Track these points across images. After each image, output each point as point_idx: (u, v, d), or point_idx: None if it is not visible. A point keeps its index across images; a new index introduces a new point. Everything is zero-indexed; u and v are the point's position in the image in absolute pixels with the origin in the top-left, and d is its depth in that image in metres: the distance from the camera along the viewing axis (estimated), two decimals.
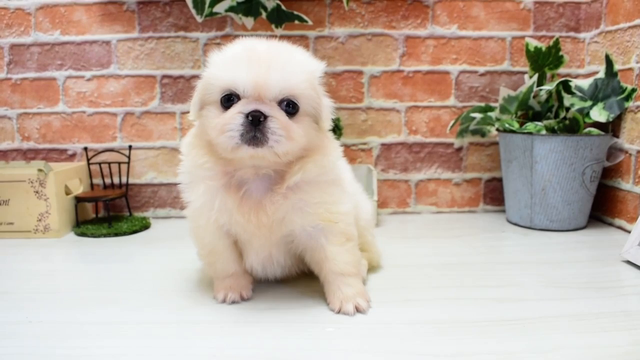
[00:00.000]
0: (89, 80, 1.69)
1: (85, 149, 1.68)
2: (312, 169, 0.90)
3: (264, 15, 1.54)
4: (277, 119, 0.83)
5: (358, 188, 1.15)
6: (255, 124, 0.81)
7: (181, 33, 1.68)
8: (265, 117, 0.82)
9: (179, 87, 1.69)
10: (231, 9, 1.50)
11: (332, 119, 1.48)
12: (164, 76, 1.69)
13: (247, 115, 0.81)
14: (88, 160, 1.67)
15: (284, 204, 0.90)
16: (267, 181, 0.91)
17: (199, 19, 1.47)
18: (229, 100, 0.85)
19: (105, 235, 1.51)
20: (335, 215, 0.94)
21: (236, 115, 0.82)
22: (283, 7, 1.53)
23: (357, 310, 0.93)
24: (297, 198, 0.91)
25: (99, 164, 1.68)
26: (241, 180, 0.90)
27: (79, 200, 1.57)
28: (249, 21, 1.53)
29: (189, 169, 0.95)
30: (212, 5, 1.48)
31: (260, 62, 0.83)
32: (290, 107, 0.85)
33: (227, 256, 0.99)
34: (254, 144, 0.82)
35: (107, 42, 1.68)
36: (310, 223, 0.93)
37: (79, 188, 1.65)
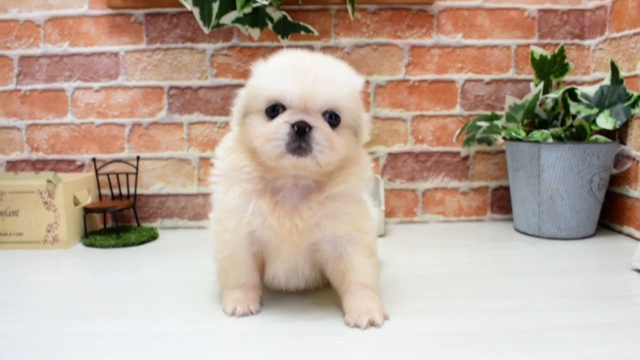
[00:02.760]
0: (97, 91, 1.71)
1: (94, 159, 1.69)
2: (354, 181, 0.95)
3: (270, 26, 1.55)
4: (321, 130, 0.85)
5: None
6: (301, 134, 0.84)
7: (188, 44, 1.69)
8: (311, 127, 0.84)
9: (187, 98, 1.70)
10: (238, 20, 1.51)
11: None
12: (172, 87, 1.70)
13: (293, 125, 0.84)
14: (96, 170, 1.68)
15: (320, 211, 0.92)
16: (304, 189, 0.93)
17: (206, 30, 1.48)
18: (274, 110, 0.87)
19: (113, 246, 1.51)
20: (365, 227, 0.98)
21: (282, 124, 0.85)
22: (289, 18, 1.54)
23: (371, 324, 0.93)
24: (332, 206, 0.93)
25: (107, 174, 1.69)
26: (278, 186, 0.93)
27: (87, 211, 1.58)
28: (255, 32, 1.54)
29: (224, 172, 0.97)
30: (218, 16, 1.49)
31: (307, 74, 0.86)
32: (333, 118, 0.88)
33: (243, 265, 1.00)
34: (298, 153, 0.85)
35: (115, 54, 1.69)
36: (342, 230, 0.95)
37: (87, 199, 1.66)
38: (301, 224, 0.92)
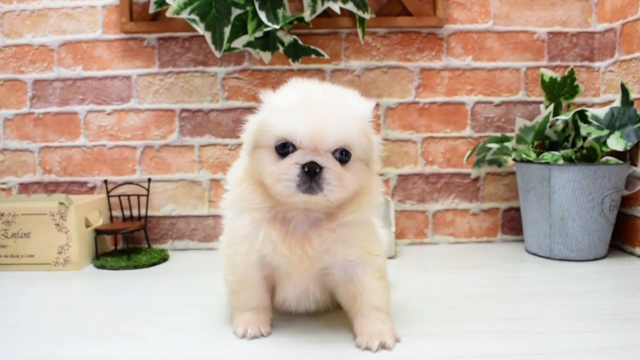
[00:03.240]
0: (109, 114, 1.72)
1: (105, 181, 1.70)
2: (365, 210, 0.95)
3: (281, 49, 1.56)
4: (331, 170, 0.86)
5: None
6: (312, 175, 0.84)
7: (200, 68, 1.71)
8: (321, 168, 0.85)
9: (198, 121, 1.72)
10: (249, 44, 1.53)
11: None
12: (183, 110, 1.72)
13: (303, 167, 0.84)
14: (108, 192, 1.70)
15: (330, 237, 0.93)
16: (314, 218, 0.93)
17: (217, 54, 1.50)
18: (284, 147, 0.87)
19: (124, 268, 1.52)
20: (375, 250, 0.98)
21: (293, 165, 0.85)
22: (300, 42, 1.56)
23: (383, 347, 0.92)
24: (343, 232, 0.93)
25: (119, 196, 1.70)
26: (289, 217, 0.93)
27: (98, 232, 1.59)
28: (266, 55, 1.56)
29: (234, 201, 0.98)
30: (230, 40, 1.51)
31: (317, 113, 0.86)
32: (343, 154, 0.88)
33: (254, 288, 1.00)
34: (309, 192, 0.86)
35: (128, 77, 1.71)
36: (353, 254, 0.95)
37: (98, 220, 1.66)
38: (312, 251, 0.92)
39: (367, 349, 0.92)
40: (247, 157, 0.95)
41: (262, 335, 0.99)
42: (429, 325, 1.04)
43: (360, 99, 0.94)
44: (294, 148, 0.87)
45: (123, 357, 0.92)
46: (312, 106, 0.86)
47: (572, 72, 1.59)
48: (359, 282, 0.96)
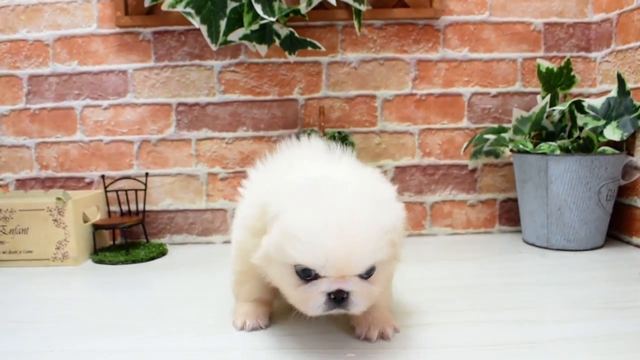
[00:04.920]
0: (105, 109, 1.72)
1: (103, 176, 1.70)
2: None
3: (277, 42, 1.56)
4: (358, 293, 0.82)
5: None
6: (339, 301, 0.81)
7: (196, 61, 1.71)
8: (348, 293, 0.81)
9: (195, 115, 1.72)
10: (245, 37, 1.53)
11: (347, 143, 1.49)
12: (180, 104, 1.72)
13: (329, 294, 0.81)
14: (105, 187, 1.69)
15: None
16: None
17: (213, 47, 1.50)
18: (305, 272, 0.81)
19: (122, 262, 1.52)
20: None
21: (318, 294, 0.81)
22: (296, 34, 1.56)
23: (382, 337, 0.92)
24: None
25: (116, 191, 1.70)
26: None
27: (96, 227, 1.59)
28: (262, 48, 1.56)
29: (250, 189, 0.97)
30: (226, 33, 1.51)
31: (344, 244, 0.78)
32: (371, 271, 0.83)
33: (259, 281, 0.96)
34: (334, 309, 0.82)
35: (124, 72, 1.71)
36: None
37: (96, 215, 1.66)
38: None
39: (367, 339, 0.92)
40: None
41: (261, 328, 0.99)
42: (427, 315, 1.05)
43: (391, 197, 0.88)
44: (317, 275, 0.81)
45: (122, 350, 0.92)
46: (337, 236, 0.78)
47: (568, 63, 1.59)
48: None
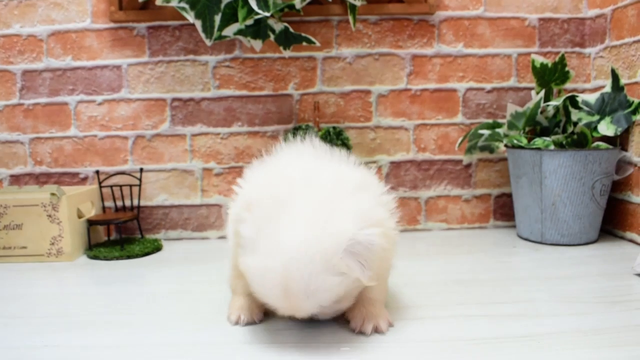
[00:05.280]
0: (100, 104, 1.72)
1: (97, 172, 1.70)
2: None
3: (272, 37, 1.56)
4: (322, 313, 0.91)
5: None
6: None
7: (191, 56, 1.70)
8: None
9: (189, 110, 1.71)
10: (240, 32, 1.53)
11: (342, 139, 1.49)
12: (174, 99, 1.71)
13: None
14: (100, 183, 1.69)
15: None
16: None
17: (208, 42, 1.50)
18: None
19: (117, 258, 1.52)
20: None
21: None
22: (291, 30, 1.55)
23: (376, 330, 0.93)
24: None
25: (111, 187, 1.69)
26: None
27: (91, 223, 1.58)
28: (257, 44, 1.55)
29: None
30: (220, 28, 1.51)
31: (286, 302, 0.84)
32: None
33: None
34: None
35: (118, 67, 1.70)
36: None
37: (91, 211, 1.66)
38: None
39: (361, 332, 0.92)
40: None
41: (255, 322, 0.99)
42: (422, 309, 1.05)
43: (355, 217, 0.84)
44: None
45: (117, 345, 0.92)
46: (280, 297, 0.83)
47: (562, 58, 1.59)
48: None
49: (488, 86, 1.74)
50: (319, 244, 0.80)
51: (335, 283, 0.81)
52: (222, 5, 1.48)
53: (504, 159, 1.77)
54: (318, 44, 1.58)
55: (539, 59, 1.60)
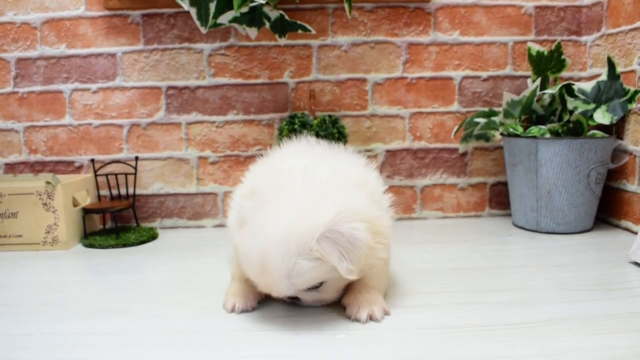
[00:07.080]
0: (95, 92, 1.71)
1: (92, 160, 1.69)
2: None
3: (267, 25, 1.55)
4: (304, 299, 0.96)
5: None
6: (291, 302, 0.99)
7: (186, 44, 1.69)
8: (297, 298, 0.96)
9: (185, 98, 1.71)
10: (235, 19, 1.52)
11: (337, 127, 1.49)
12: (169, 87, 1.71)
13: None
14: (95, 171, 1.69)
15: None
16: None
17: (203, 30, 1.49)
18: None
19: (113, 246, 1.51)
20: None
21: None
22: (286, 17, 1.54)
23: (371, 318, 0.93)
24: None
25: (106, 175, 1.69)
26: None
27: (86, 211, 1.58)
28: (252, 31, 1.54)
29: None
30: (216, 16, 1.49)
31: (263, 279, 0.90)
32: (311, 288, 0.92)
33: None
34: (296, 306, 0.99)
35: (113, 55, 1.69)
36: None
37: (86, 200, 1.66)
38: None
39: (356, 319, 0.92)
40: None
41: (250, 310, 0.99)
42: (418, 297, 1.05)
43: (345, 214, 0.86)
44: None
45: (113, 332, 0.92)
46: (258, 274, 0.89)
47: (559, 46, 1.59)
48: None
49: (484, 74, 1.74)
50: (297, 228, 0.85)
51: (308, 267, 0.85)
52: None
53: (500, 148, 1.77)
54: (314, 31, 1.57)
55: (535, 47, 1.60)
